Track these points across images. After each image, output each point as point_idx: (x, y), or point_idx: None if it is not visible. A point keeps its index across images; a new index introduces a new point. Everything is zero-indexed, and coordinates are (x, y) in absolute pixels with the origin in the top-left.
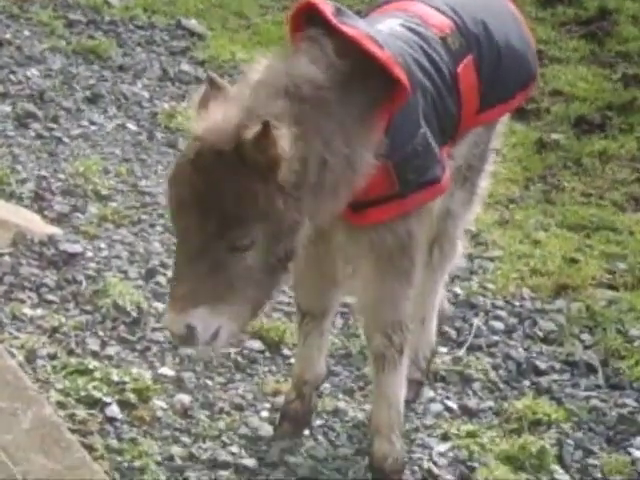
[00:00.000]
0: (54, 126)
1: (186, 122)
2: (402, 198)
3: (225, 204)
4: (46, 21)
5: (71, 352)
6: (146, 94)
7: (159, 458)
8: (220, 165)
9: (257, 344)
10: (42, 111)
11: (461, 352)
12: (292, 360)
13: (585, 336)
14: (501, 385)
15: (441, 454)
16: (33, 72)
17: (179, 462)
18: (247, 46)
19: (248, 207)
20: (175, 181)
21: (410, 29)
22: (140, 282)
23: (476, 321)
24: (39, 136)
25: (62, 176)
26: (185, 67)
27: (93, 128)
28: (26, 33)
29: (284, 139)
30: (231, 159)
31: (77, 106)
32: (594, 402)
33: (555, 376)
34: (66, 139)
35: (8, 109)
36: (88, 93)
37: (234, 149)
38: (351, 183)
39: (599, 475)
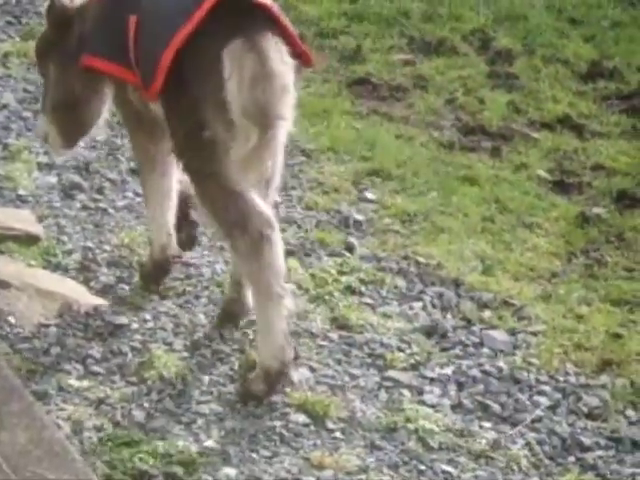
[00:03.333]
0: (99, 197)
1: None
2: None
3: (40, 48)
4: None
5: (117, 424)
6: None
7: None
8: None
9: (302, 417)
10: (87, 182)
11: (505, 427)
12: (337, 434)
13: (630, 412)
14: (546, 461)
15: None
16: (79, 143)
17: None
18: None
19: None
20: None
21: None
22: (185, 354)
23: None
24: (85, 207)
25: (107, 247)
26: None
27: (138, 199)
28: None
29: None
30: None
31: (122, 177)
32: None
33: (600, 452)
34: (111, 210)
35: (54, 180)
36: (132, 164)
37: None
38: None
39: None
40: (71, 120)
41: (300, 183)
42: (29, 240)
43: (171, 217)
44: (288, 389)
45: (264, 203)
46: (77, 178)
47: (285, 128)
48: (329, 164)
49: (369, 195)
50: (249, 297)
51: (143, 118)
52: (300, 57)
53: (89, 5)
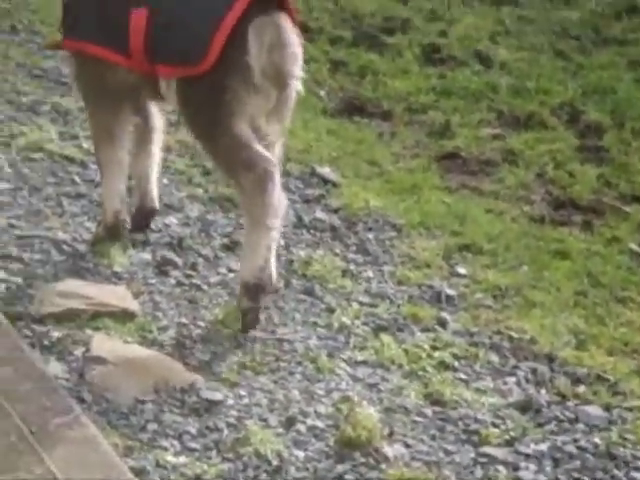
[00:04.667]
0: (193, 273)
1: (323, 270)
2: None
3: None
4: (183, 169)
5: None
6: (282, 241)
7: None
8: None
9: None
10: (181, 259)
11: None
12: None
13: None
14: None
15: None
16: (172, 220)
17: None
18: (380, 194)
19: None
20: None
21: None
22: (280, 430)
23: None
24: (179, 283)
25: (202, 323)
26: (320, 215)
27: (231, 275)
28: (165, 181)
29: None
30: None
31: (215, 254)
32: None
33: None
34: (205, 286)
35: (149, 257)
36: (225, 240)
37: None
38: None
39: None
40: None
41: (391, 258)
42: (125, 316)
43: (124, 186)
44: (383, 465)
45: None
46: (171, 255)
47: (296, 86)
48: (420, 239)
49: (460, 270)
50: (274, 267)
51: (122, 96)
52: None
53: None
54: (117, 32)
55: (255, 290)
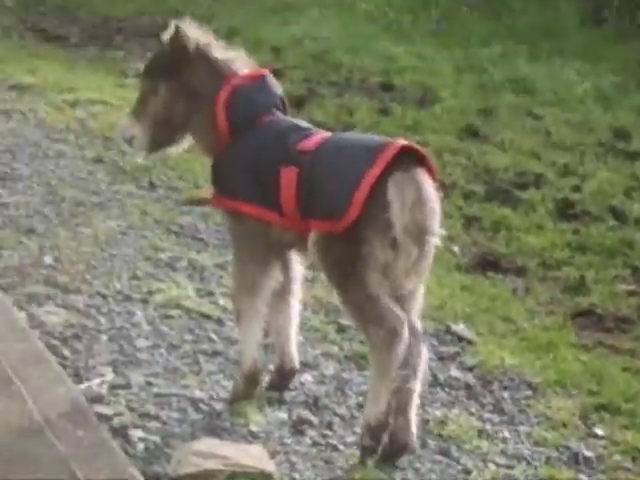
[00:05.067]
0: (329, 433)
1: (458, 430)
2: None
3: (154, 65)
4: (318, 326)
5: None
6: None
7: None
8: (161, 46)
9: None
10: (317, 417)
11: None
12: None
13: None
14: None
15: None
16: (307, 378)
17: None
18: (515, 351)
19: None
20: None
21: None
22: None
23: None
24: (315, 443)
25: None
26: (455, 373)
27: None
28: (300, 339)
29: (187, 37)
30: (163, 44)
31: (351, 413)
32: None
33: None
34: (341, 446)
35: (285, 415)
36: (361, 399)
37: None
38: None
39: None
40: (164, 134)
41: (527, 418)
42: (262, 477)
43: (261, 336)
44: None
45: (400, 308)
46: (307, 413)
47: (435, 243)
48: (556, 398)
49: (598, 430)
50: (414, 427)
51: (272, 249)
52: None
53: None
54: (268, 190)
55: (376, 431)
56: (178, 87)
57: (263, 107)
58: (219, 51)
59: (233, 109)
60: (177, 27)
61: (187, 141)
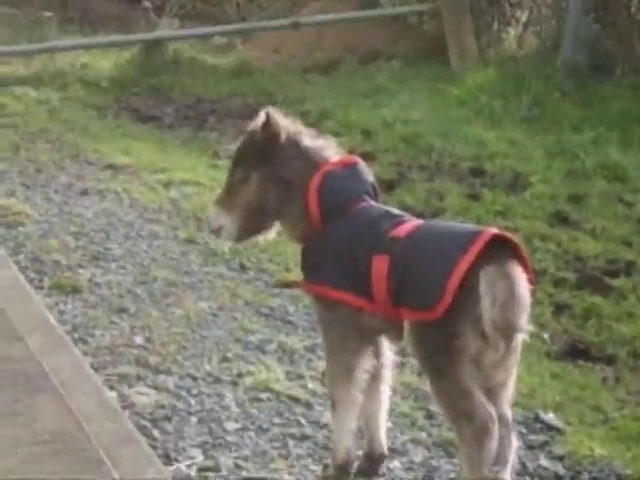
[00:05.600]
0: None
1: None
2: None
3: (243, 154)
4: (407, 412)
5: None
6: None
7: None
8: (249, 134)
9: None
10: None
11: None
12: None
13: None
14: None
15: None
16: (396, 464)
17: None
18: (605, 442)
19: (250, 157)
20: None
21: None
22: None
23: None
24: None
25: None
26: (544, 462)
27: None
28: (389, 424)
29: (278, 126)
30: (253, 133)
31: None
32: None
33: None
34: None
35: None
36: None
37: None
38: None
39: None
40: (254, 222)
41: None
42: None
43: (355, 425)
44: None
45: (491, 403)
46: None
47: (523, 338)
48: None
49: None
50: None
51: (364, 336)
52: (529, 281)
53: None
54: (359, 276)
55: None
56: (270, 175)
57: (354, 194)
58: (309, 139)
59: (325, 195)
60: (268, 115)
61: (275, 228)
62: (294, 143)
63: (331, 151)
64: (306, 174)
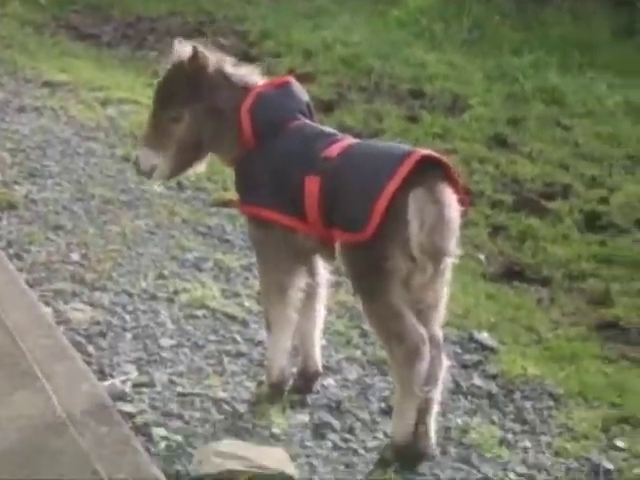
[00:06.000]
0: (350, 437)
1: (480, 438)
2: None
3: (170, 92)
4: (342, 330)
5: None
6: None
7: None
8: (172, 70)
9: None
10: (339, 421)
11: None
12: None
13: None
14: None
15: None
16: (330, 382)
17: None
18: (538, 362)
19: (179, 94)
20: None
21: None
22: None
23: None
24: (336, 447)
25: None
26: (477, 381)
27: (386, 440)
28: (324, 342)
29: (206, 58)
30: (179, 67)
31: (372, 417)
32: None
33: None
34: (362, 451)
35: (306, 419)
36: (383, 405)
37: (180, 61)
38: None
39: None
40: (188, 157)
41: (549, 428)
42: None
43: (290, 344)
44: None
45: (421, 324)
46: (328, 417)
47: (452, 262)
48: (578, 409)
49: (619, 443)
50: (433, 433)
51: (298, 257)
52: (461, 202)
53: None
54: (292, 197)
55: (403, 451)
56: (202, 109)
57: (288, 112)
58: (234, 67)
59: (257, 114)
60: (195, 47)
61: (207, 158)
62: (221, 72)
63: (257, 77)
64: (238, 99)
